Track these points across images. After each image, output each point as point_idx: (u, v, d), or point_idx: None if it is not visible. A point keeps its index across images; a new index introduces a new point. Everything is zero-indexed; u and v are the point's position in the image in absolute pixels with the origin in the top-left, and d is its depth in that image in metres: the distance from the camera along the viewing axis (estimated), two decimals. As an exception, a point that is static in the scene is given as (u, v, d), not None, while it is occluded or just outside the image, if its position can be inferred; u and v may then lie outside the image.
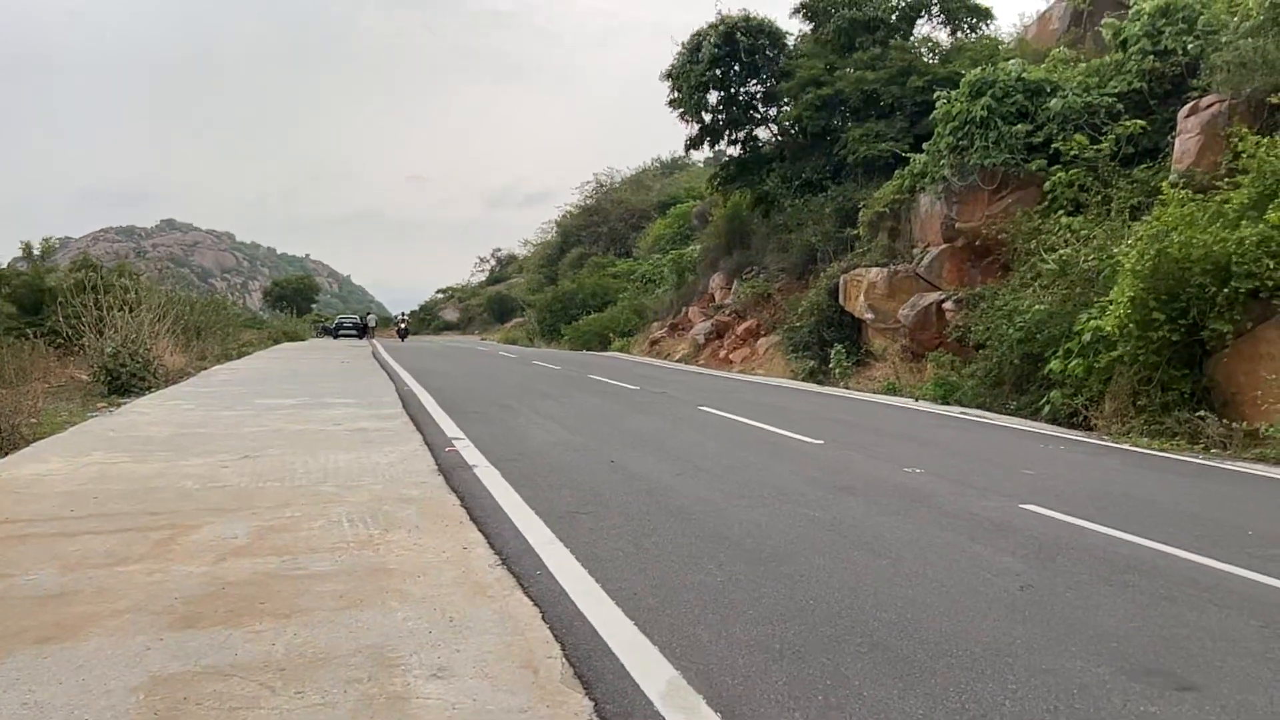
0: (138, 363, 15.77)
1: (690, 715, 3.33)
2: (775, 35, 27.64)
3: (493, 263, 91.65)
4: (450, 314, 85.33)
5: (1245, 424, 10.07)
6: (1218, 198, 11.57)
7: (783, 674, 3.71)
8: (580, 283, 48.19)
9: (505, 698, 3.45)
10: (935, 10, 26.60)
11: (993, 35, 26.14)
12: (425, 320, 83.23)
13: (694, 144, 29.83)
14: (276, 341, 43.79)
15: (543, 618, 4.36)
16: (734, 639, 4.10)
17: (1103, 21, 18.50)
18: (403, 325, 60.49)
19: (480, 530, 6.03)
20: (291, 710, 3.32)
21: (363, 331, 57.36)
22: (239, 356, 28.81)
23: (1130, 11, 17.31)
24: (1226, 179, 12.08)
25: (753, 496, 7.25)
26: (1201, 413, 10.49)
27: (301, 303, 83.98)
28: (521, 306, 60.58)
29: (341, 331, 57.89)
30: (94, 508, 6.55)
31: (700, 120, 28.69)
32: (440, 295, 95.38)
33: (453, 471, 8.09)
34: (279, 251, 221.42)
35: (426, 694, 3.47)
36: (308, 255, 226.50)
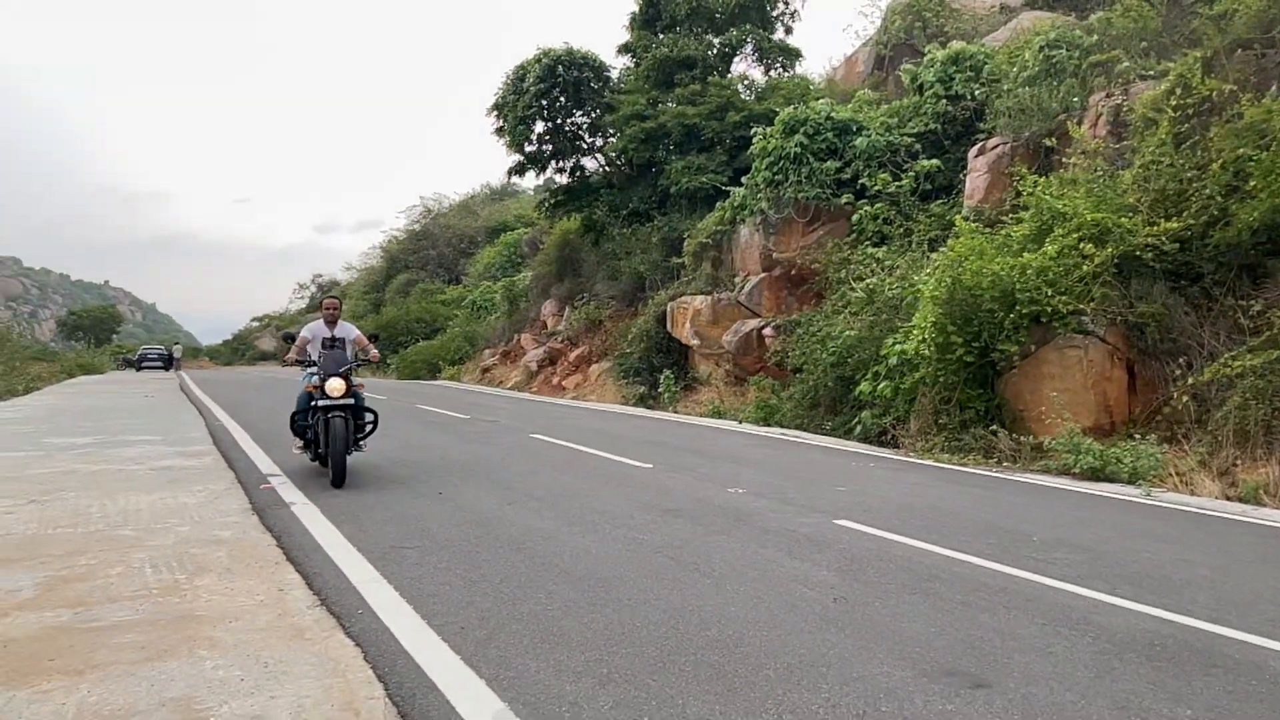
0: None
1: (517, 746, 3.31)
2: (599, 69, 28.15)
3: (313, 289, 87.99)
4: (267, 343, 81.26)
5: (1032, 438, 11.00)
6: (1003, 231, 12.67)
7: (610, 698, 3.75)
8: (408, 309, 47.07)
9: (324, 743, 3.32)
10: (749, 50, 27.86)
11: (804, 75, 27.66)
12: (239, 350, 79.00)
13: (517, 171, 29.90)
14: (71, 375, 40.41)
15: (364, 658, 4.22)
16: (562, 667, 4.11)
17: (902, 67, 19.94)
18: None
19: (298, 570, 5.78)
20: (83, 775, 3.07)
21: (169, 363, 53.94)
22: (26, 392, 26.39)
23: (925, 59, 18.74)
24: (1010, 214, 13.25)
25: (584, 523, 7.29)
26: (994, 429, 11.38)
27: (102, 333, 78.09)
28: (345, 335, 58.34)
29: (146, 363, 54.16)
30: None
31: (523, 151, 28.79)
32: (256, 323, 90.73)
33: (268, 510, 7.71)
34: (74, 278, 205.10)
35: (237, 746, 3.30)
36: (106, 282, 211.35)
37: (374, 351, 9.74)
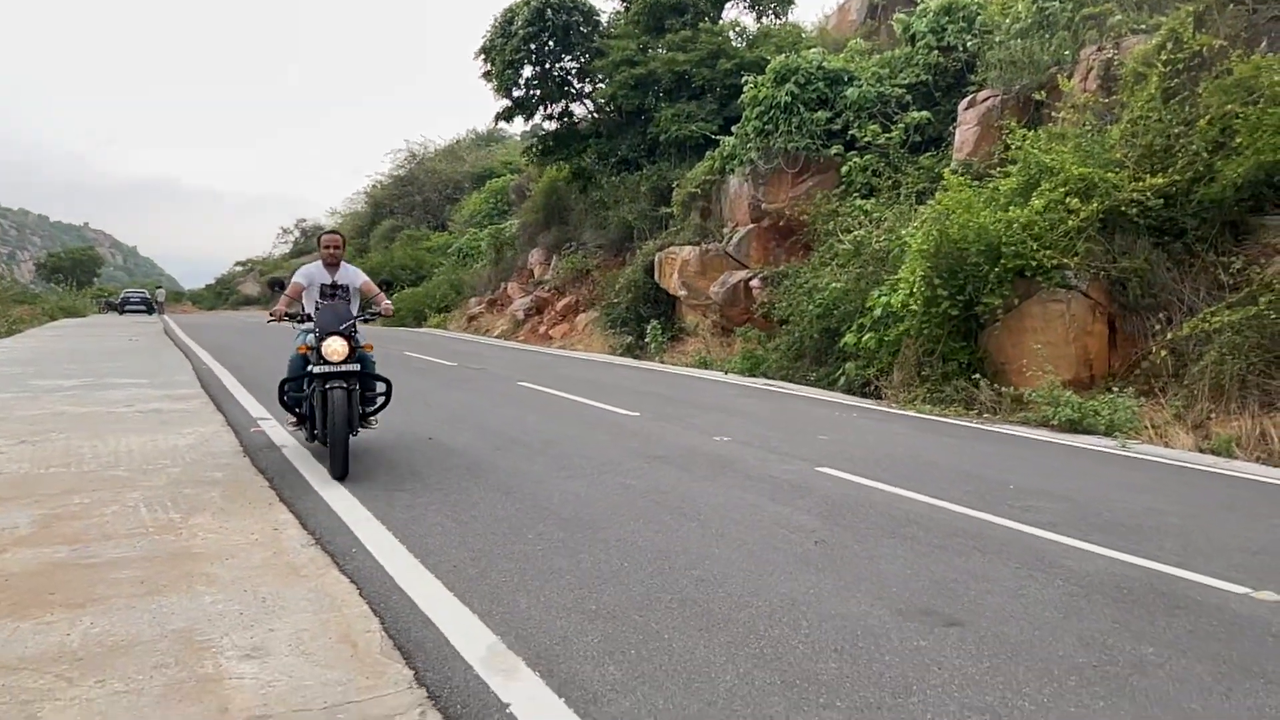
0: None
1: (509, 676, 3.45)
2: (588, 12, 27.73)
3: (297, 234, 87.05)
4: (250, 288, 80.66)
5: (1012, 390, 11.16)
6: (991, 185, 12.71)
7: (598, 633, 3.89)
8: (392, 255, 46.75)
9: (323, 672, 3.45)
10: (742, -5, 27.51)
11: (796, 23, 27.37)
12: (222, 294, 78.52)
13: (505, 117, 29.54)
14: (54, 318, 40.12)
15: (360, 594, 4.35)
16: (552, 603, 4.25)
17: (895, 16, 19.78)
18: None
19: (291, 511, 5.89)
20: (92, 699, 3.19)
21: (151, 307, 53.67)
22: (9, 334, 26.24)
23: (918, 8, 18.59)
24: (999, 167, 13.28)
25: (572, 468, 7.43)
26: (976, 380, 11.54)
27: (82, 276, 77.51)
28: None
29: (128, 307, 53.75)
30: None
31: (511, 96, 28.46)
32: (239, 268, 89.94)
33: (259, 452, 7.81)
34: (53, 220, 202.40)
35: (240, 674, 3.42)
36: (86, 224, 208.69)
37: (386, 303, 7.88)
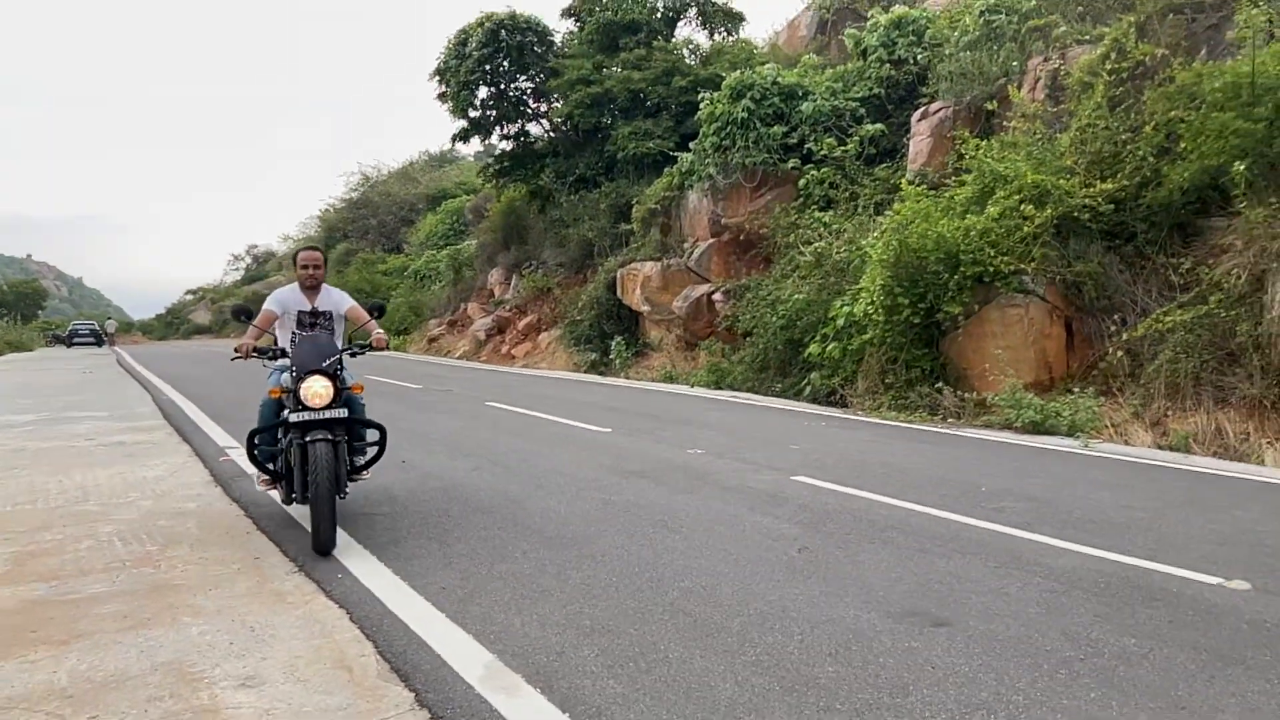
0: None
1: (511, 694, 3.45)
2: (542, 33, 27.88)
3: (248, 260, 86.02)
4: (202, 316, 79.47)
5: (975, 395, 11.37)
6: (947, 194, 12.97)
7: (595, 647, 3.91)
8: (347, 279, 46.33)
9: (321, 698, 3.42)
10: (693, 14, 27.79)
11: (748, 39, 27.70)
12: (173, 324, 77.27)
13: (462, 137, 29.50)
14: (0, 353, 39.20)
15: (350, 618, 4.32)
16: (546, 621, 4.25)
17: (845, 31, 20.12)
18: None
19: (270, 539, 5.83)
20: (89, 736, 3.14)
21: (101, 339, 52.71)
22: (-45, 371, 25.57)
23: (869, 23, 18.94)
24: (954, 177, 13.56)
25: (550, 486, 7.43)
26: (939, 386, 11.73)
27: (26, 309, 75.79)
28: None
29: (77, 339, 52.73)
30: None
31: (467, 117, 28.46)
32: (190, 296, 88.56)
33: (231, 481, 7.71)
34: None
35: (237, 703, 3.38)
36: (29, 256, 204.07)
37: (379, 333, 6.46)
